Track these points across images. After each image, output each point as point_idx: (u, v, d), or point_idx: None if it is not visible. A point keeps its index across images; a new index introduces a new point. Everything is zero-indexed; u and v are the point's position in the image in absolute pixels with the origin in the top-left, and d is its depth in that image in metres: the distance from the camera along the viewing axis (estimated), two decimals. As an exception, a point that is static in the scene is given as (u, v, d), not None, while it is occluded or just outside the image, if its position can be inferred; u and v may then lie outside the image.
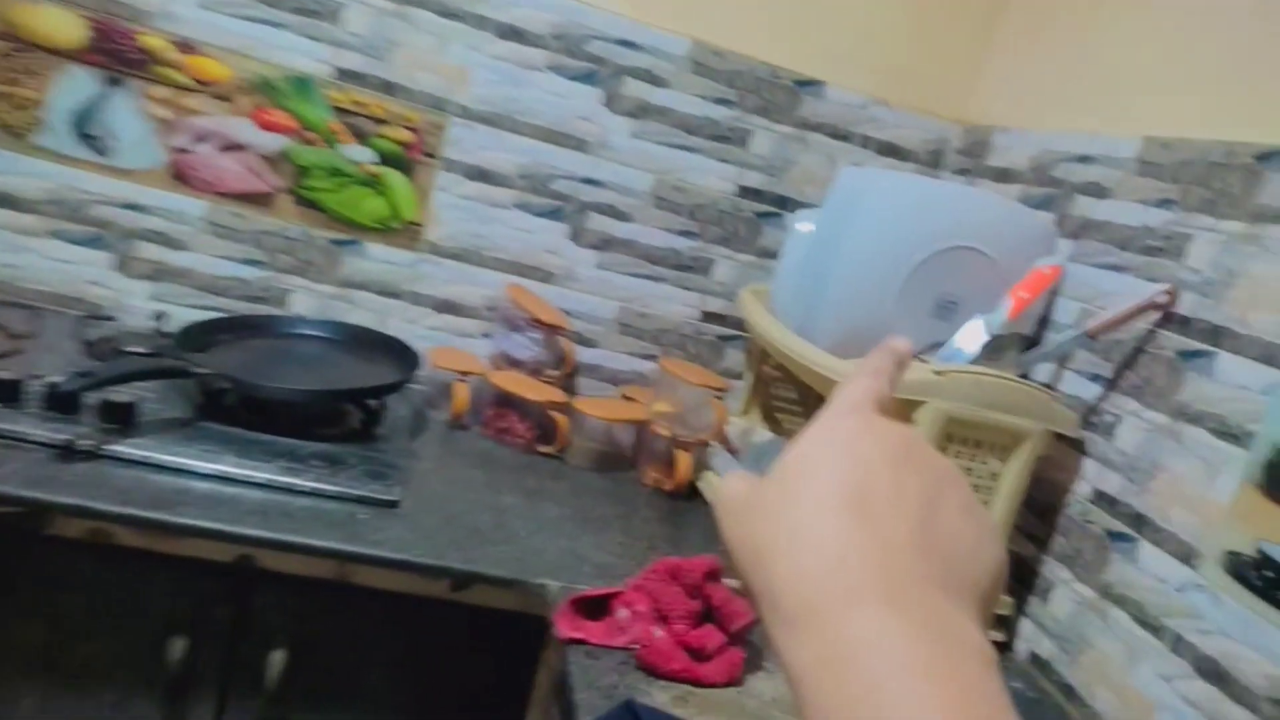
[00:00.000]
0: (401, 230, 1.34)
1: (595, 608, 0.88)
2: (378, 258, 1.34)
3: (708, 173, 1.39)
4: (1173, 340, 0.96)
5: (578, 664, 0.82)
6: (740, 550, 0.33)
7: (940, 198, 1.12)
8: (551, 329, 1.32)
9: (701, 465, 1.27)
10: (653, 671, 0.82)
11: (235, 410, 1.03)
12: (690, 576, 0.85)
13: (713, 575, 0.86)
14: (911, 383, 0.96)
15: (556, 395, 1.26)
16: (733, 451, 1.28)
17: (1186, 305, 0.96)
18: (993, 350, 1.05)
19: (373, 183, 1.32)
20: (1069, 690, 1.00)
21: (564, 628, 0.85)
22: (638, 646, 0.83)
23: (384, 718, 0.99)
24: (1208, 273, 0.94)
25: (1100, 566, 1.00)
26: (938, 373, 0.97)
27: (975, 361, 1.04)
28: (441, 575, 0.92)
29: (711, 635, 0.84)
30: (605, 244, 1.39)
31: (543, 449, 1.26)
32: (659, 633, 0.83)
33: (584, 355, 1.42)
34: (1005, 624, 1.10)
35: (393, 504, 0.98)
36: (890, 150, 1.43)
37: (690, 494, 1.26)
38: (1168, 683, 0.89)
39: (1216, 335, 0.91)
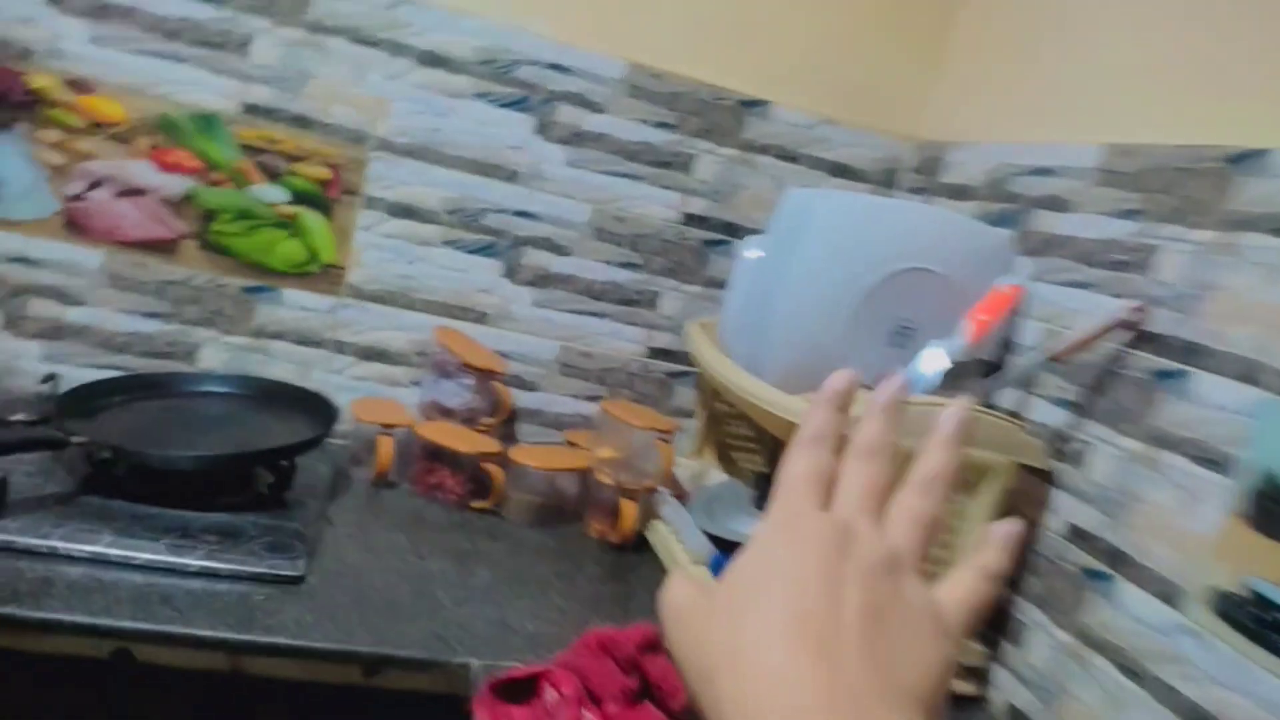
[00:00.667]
0: (320, 274, 1.25)
1: (522, 689, 0.78)
2: (295, 304, 1.24)
3: (650, 200, 1.31)
4: (1144, 360, 0.88)
5: (497, 759, 0.72)
6: (686, 663, 0.33)
7: (891, 216, 1.04)
8: (485, 373, 1.23)
9: (649, 513, 1.17)
10: (584, 763, 0.72)
11: (124, 482, 0.93)
12: (623, 649, 0.76)
13: (649, 646, 0.77)
14: (865, 419, 0.88)
15: (490, 445, 1.16)
16: (681, 497, 1.19)
17: (1158, 322, 0.88)
18: (953, 378, 0.97)
19: (287, 224, 1.23)
20: (1055, 749, 0.91)
21: (484, 718, 0.75)
22: (567, 735, 0.73)
23: (296, 820, 0.88)
24: (1179, 286, 0.86)
25: (1077, 608, 0.91)
26: (893, 407, 0.88)
27: (935, 391, 0.95)
28: (346, 660, 0.82)
29: (649, 716, 0.75)
30: (542, 280, 1.31)
31: (477, 505, 1.16)
32: (589, 717, 0.74)
33: (523, 400, 1.33)
34: (977, 675, 1.00)
35: (296, 580, 0.88)
36: (841, 171, 1.36)
37: (638, 545, 1.17)
38: (1162, 740, 0.80)
39: (1191, 353, 0.84)
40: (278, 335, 1.25)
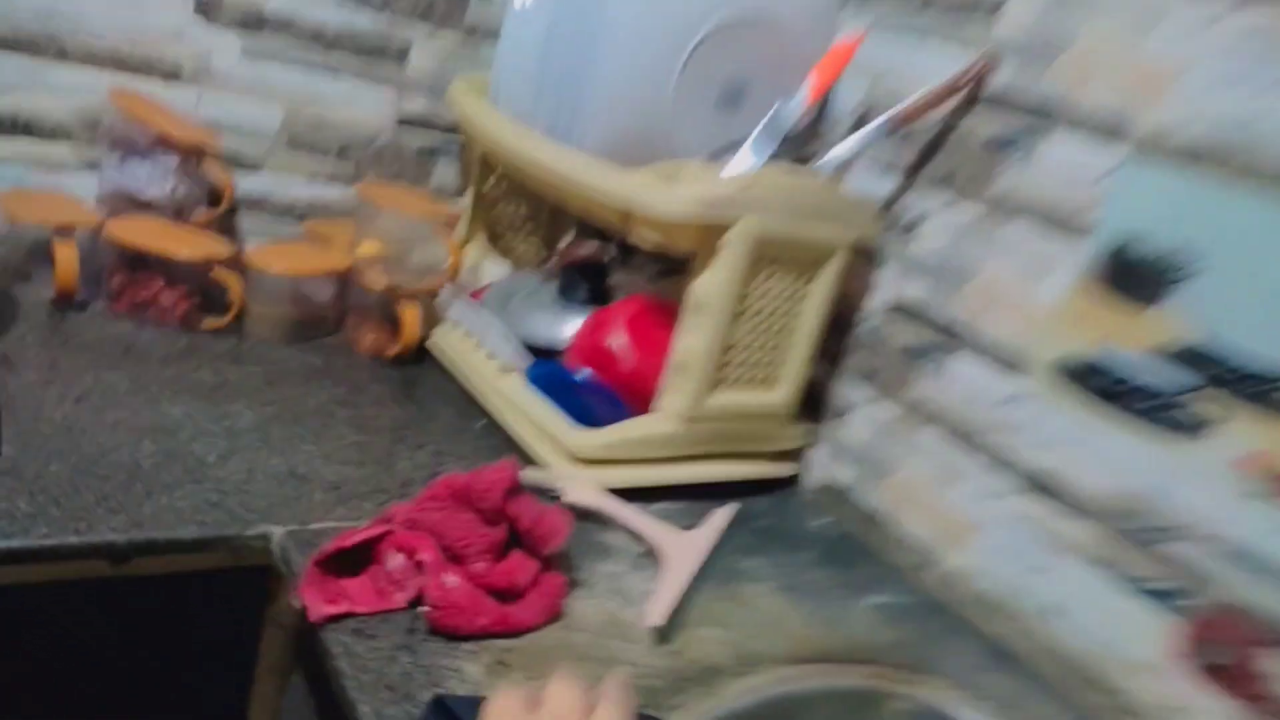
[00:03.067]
0: (-93, 7, 0.85)
1: (354, 559, 0.62)
2: (-128, 53, 0.85)
3: (386, -80, 1.03)
4: (986, 120, 0.84)
5: (346, 655, 0.57)
6: None
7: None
8: (192, 150, 0.93)
9: (434, 319, 1.00)
10: (454, 634, 0.59)
11: None
12: (487, 499, 0.62)
13: (515, 489, 0.64)
14: (716, 198, 0.76)
15: (219, 248, 0.90)
16: (466, 294, 1.02)
17: (1003, 76, 0.83)
18: (792, 146, 0.87)
19: None
20: (870, 518, 0.93)
21: (316, 601, 0.58)
22: (429, 608, 0.59)
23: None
24: (1029, 37, 0.81)
25: (904, 383, 0.90)
26: (747, 182, 0.77)
27: (774, 161, 0.85)
28: (98, 555, 0.60)
29: (522, 566, 0.63)
30: (254, 22, 0.99)
31: (209, 324, 0.92)
32: (453, 580, 0.60)
33: (244, 184, 1.05)
34: (792, 456, 0.98)
35: (-14, 456, 0.62)
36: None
37: (418, 357, 1.00)
38: (997, 500, 0.82)
39: (1042, 112, 0.79)
40: None
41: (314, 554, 0.60)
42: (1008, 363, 0.82)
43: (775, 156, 0.85)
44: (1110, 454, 0.74)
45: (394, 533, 0.61)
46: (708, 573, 0.76)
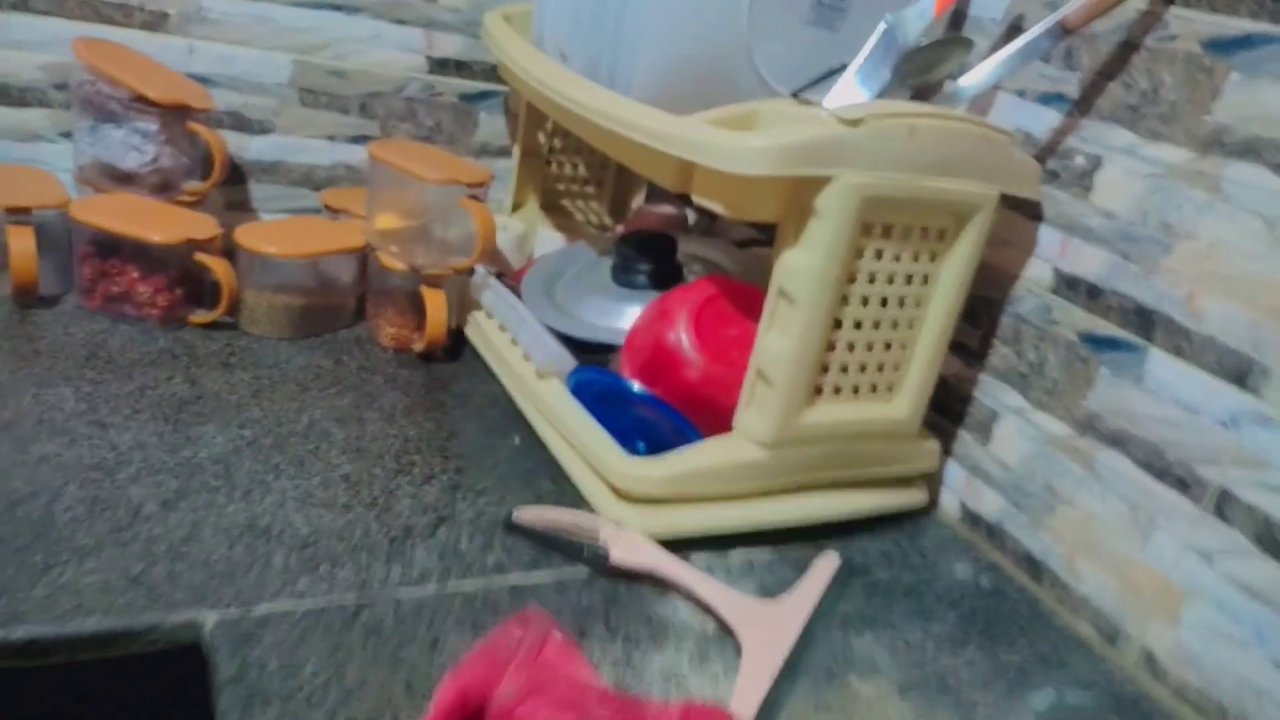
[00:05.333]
0: None
1: None
2: None
3: None
4: (1202, 20, 0.59)
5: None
6: None
7: None
8: (174, 110, 0.77)
9: (467, 305, 0.82)
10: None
11: None
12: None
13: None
14: (807, 146, 0.54)
15: (201, 227, 0.74)
16: (504, 277, 0.84)
17: (1226, -40, 0.57)
18: (912, 71, 0.64)
19: None
20: (1030, 567, 0.70)
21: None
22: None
23: None
24: (1271, -103, 0.55)
25: (1074, 389, 0.67)
26: (849, 122, 0.55)
27: (888, 93, 0.63)
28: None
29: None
30: (248, -46, 0.83)
31: (196, 319, 0.76)
32: None
33: (251, 148, 0.89)
34: (922, 480, 0.76)
35: None
36: None
37: (455, 350, 0.82)
38: (1213, 559, 0.59)
39: (1290, 6, 0.54)
40: None
41: None
42: (1235, 368, 0.57)
43: (889, 87, 0.63)
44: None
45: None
46: (803, 661, 0.56)
